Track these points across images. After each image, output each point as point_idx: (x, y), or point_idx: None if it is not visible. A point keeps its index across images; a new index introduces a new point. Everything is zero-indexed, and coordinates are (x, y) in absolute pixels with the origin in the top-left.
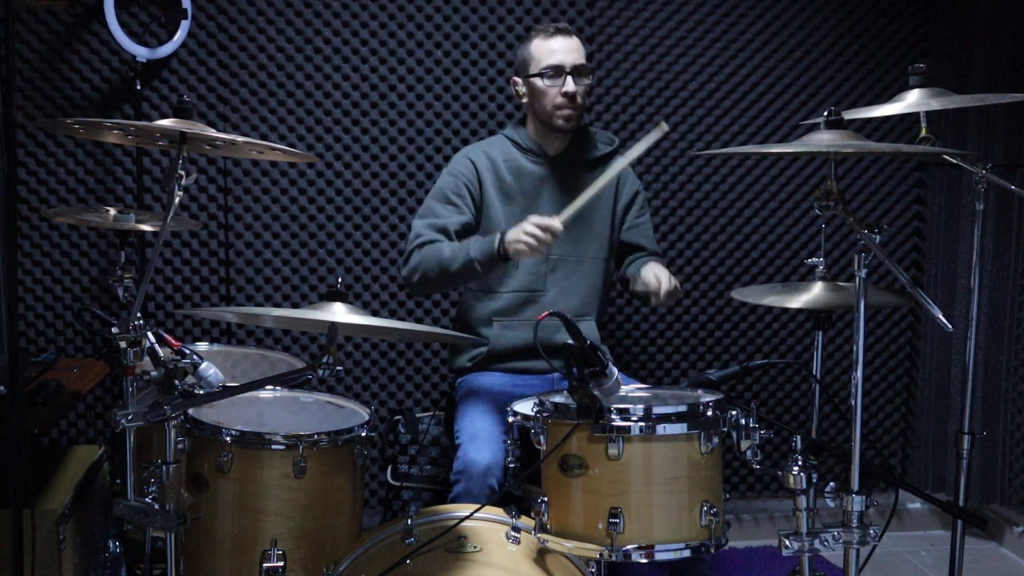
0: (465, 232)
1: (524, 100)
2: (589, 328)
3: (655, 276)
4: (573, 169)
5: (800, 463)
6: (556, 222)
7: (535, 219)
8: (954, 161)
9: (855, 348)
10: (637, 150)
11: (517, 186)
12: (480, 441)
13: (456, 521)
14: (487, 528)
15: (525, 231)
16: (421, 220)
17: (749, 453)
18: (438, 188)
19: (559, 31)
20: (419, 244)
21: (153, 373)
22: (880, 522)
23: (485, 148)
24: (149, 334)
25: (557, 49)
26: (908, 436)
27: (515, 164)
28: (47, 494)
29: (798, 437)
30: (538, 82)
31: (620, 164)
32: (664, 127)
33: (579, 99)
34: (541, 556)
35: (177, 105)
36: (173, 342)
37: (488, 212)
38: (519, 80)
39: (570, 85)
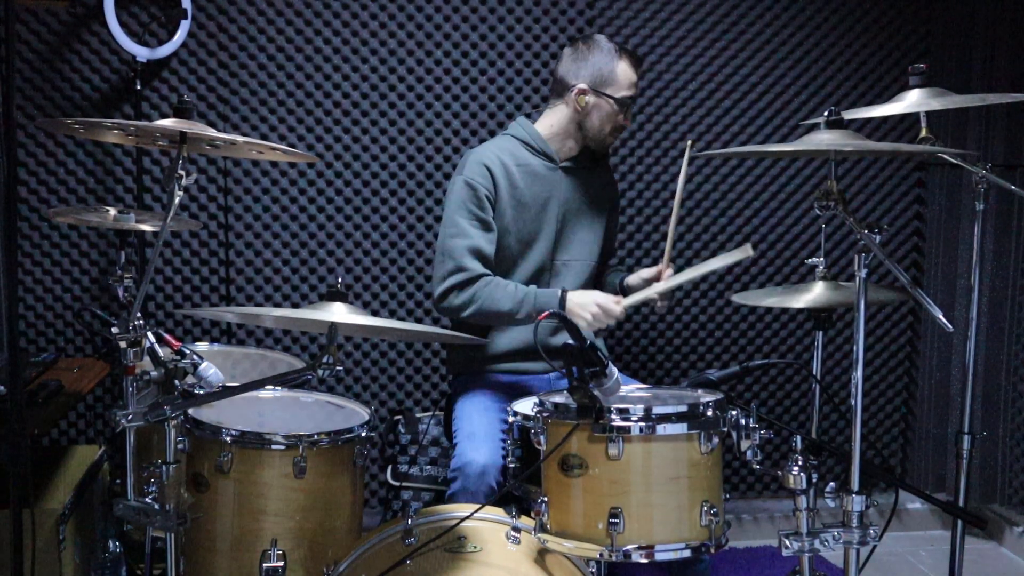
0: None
1: (578, 108)
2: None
3: (643, 279)
4: (578, 174)
5: (800, 463)
6: (619, 309)
7: (600, 300)
8: (954, 161)
9: (855, 348)
10: (719, 264)
11: (529, 192)
12: (477, 439)
13: (456, 521)
14: (487, 528)
15: (591, 311)
16: (454, 241)
17: (749, 453)
18: (459, 200)
19: (640, 62)
20: (468, 279)
21: (153, 373)
22: (880, 522)
23: (496, 152)
24: (149, 334)
25: (636, 82)
26: (908, 436)
27: (527, 168)
28: (47, 494)
29: (798, 437)
30: (610, 105)
31: (699, 271)
32: (750, 251)
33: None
34: (541, 556)
35: (177, 105)
36: (173, 342)
37: (500, 221)
38: (589, 90)
39: (629, 119)
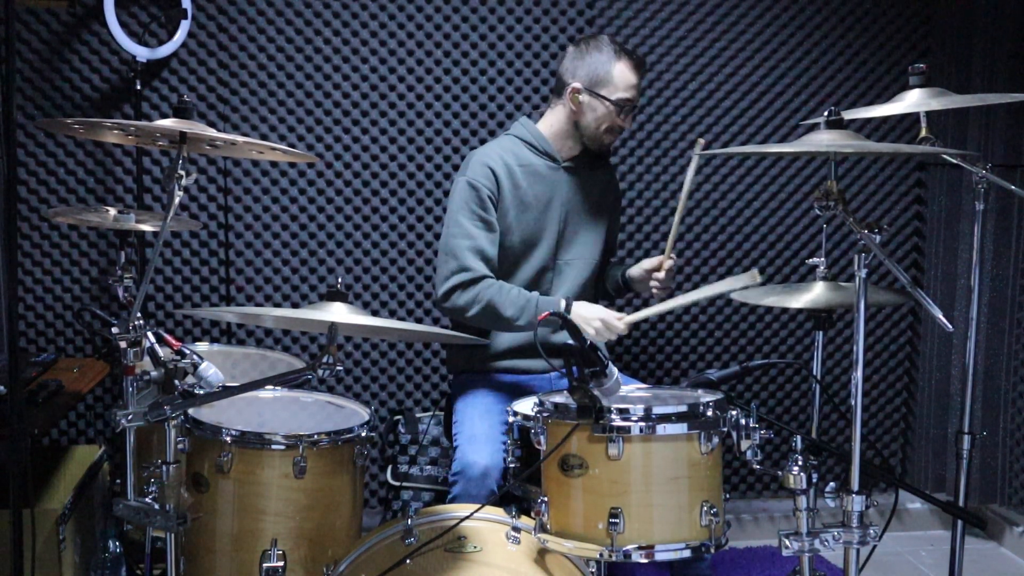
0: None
1: (572, 108)
2: None
3: (644, 269)
4: (581, 174)
5: (800, 463)
6: (622, 326)
7: (604, 316)
8: (954, 161)
9: (855, 348)
10: (725, 287)
11: (531, 192)
12: (478, 442)
13: (456, 521)
14: (487, 528)
15: (594, 326)
16: (457, 241)
17: (749, 453)
18: (462, 200)
19: (641, 64)
20: (472, 279)
21: (153, 373)
22: (880, 522)
23: (499, 152)
24: (149, 334)
25: (635, 84)
26: (908, 436)
27: (530, 169)
28: (47, 494)
29: (798, 437)
30: (605, 107)
31: (705, 293)
32: (757, 277)
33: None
34: (541, 556)
35: (177, 105)
36: (173, 342)
37: (503, 221)
38: (582, 89)
39: (628, 122)
